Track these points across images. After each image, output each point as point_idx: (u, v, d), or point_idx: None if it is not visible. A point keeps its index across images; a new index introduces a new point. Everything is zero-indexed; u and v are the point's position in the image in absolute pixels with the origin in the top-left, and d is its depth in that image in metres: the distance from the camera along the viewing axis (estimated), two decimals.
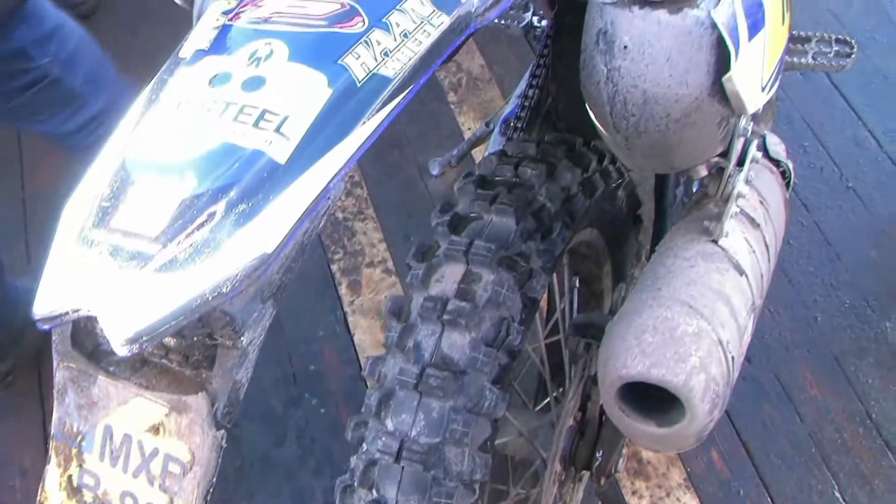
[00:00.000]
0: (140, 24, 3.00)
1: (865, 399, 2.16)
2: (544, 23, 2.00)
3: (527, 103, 1.66)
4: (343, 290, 2.36)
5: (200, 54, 0.90)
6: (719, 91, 1.04)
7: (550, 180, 1.30)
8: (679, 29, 0.99)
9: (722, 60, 1.02)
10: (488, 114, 2.56)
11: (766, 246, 1.29)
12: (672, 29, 0.99)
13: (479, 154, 2.14)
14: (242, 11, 0.92)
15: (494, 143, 1.76)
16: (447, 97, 2.76)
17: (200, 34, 0.92)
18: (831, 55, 1.88)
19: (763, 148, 1.45)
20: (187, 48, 0.92)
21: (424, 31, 0.90)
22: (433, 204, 2.46)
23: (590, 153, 1.38)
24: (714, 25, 0.99)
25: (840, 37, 1.90)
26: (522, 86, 1.74)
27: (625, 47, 1.01)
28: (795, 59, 1.88)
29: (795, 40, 1.90)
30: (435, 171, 2.06)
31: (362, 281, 2.37)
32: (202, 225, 0.78)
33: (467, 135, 2.57)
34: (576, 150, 1.38)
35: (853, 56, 1.89)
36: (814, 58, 1.88)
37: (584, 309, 1.69)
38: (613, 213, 1.50)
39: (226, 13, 0.94)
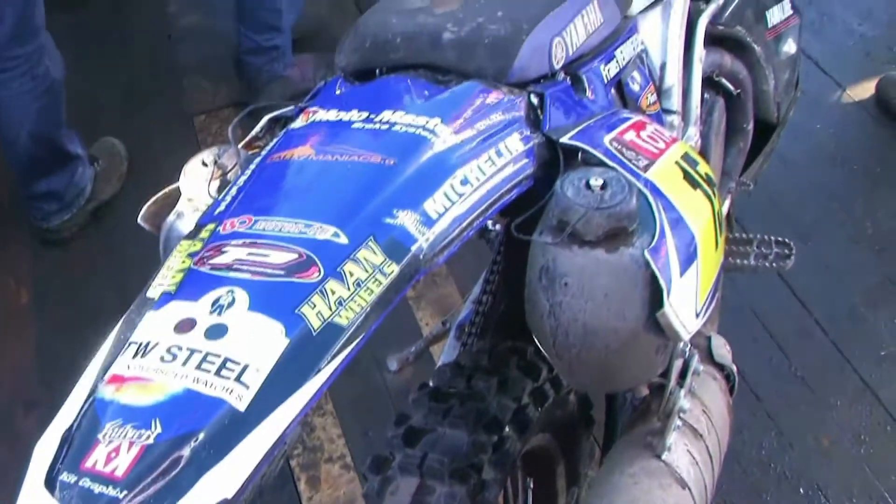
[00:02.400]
0: (119, 244, 2.97)
1: None
2: (498, 227, 2.07)
3: (480, 309, 1.72)
4: (302, 485, 2.36)
5: (167, 298, 0.95)
6: (655, 323, 1.09)
7: (501, 392, 1.35)
8: (616, 266, 1.06)
9: (657, 295, 1.08)
10: (446, 309, 2.63)
11: (710, 455, 1.34)
12: (609, 267, 1.06)
13: (436, 350, 2.18)
14: (207, 256, 0.98)
15: (450, 347, 1.80)
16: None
17: (167, 276, 0.98)
18: (772, 257, 1.96)
19: (707, 352, 1.51)
20: (155, 289, 0.97)
21: (376, 279, 0.95)
22: (392, 398, 2.50)
23: (540, 362, 1.42)
24: (648, 264, 1.06)
25: (779, 238, 1.98)
26: (477, 290, 1.80)
27: (565, 284, 1.07)
28: (738, 262, 1.95)
29: (737, 242, 1.97)
30: (393, 367, 2.10)
31: (321, 476, 2.37)
32: (167, 471, 0.82)
33: (425, 330, 2.62)
34: (527, 358, 1.43)
35: (793, 257, 1.96)
36: (755, 260, 1.95)
37: None
38: (565, 417, 1.54)
39: (191, 256, 0.99)
